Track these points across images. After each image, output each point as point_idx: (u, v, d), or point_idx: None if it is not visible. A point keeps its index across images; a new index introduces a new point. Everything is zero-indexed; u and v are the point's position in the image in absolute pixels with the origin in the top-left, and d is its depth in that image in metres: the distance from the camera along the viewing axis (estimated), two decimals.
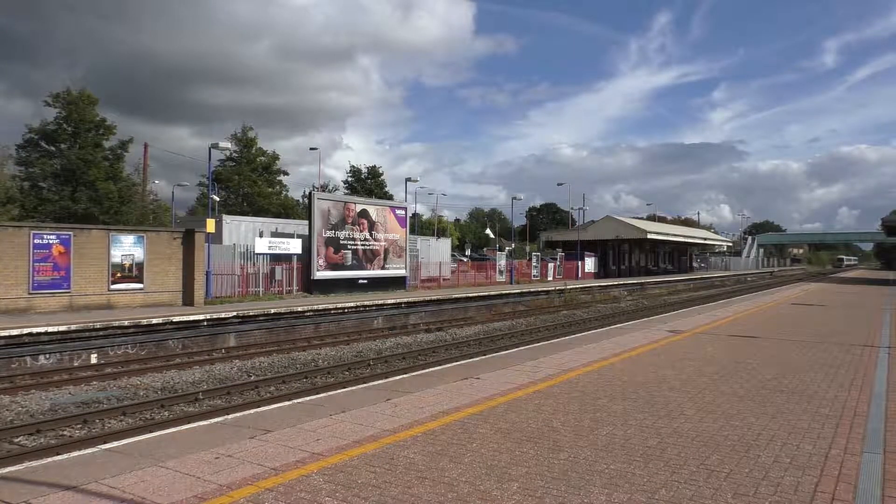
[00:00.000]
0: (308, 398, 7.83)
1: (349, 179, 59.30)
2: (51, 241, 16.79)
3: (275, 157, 49.86)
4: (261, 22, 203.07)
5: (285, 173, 51.47)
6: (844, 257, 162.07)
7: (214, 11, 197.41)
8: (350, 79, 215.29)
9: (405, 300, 23.94)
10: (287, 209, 49.60)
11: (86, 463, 5.10)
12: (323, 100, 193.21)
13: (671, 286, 47.26)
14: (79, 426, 9.21)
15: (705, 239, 73.46)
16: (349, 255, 25.75)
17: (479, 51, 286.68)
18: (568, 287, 35.36)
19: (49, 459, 5.50)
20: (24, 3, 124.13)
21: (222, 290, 21.82)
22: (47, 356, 13.83)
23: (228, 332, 17.55)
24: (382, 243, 27.33)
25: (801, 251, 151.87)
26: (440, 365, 11.48)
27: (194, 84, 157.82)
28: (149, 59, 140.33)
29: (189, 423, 7.28)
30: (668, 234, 58.57)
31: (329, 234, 24.87)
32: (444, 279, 32.99)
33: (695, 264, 74.15)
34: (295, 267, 24.21)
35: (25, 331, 13.56)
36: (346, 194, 51.24)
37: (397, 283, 27.95)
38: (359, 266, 26.19)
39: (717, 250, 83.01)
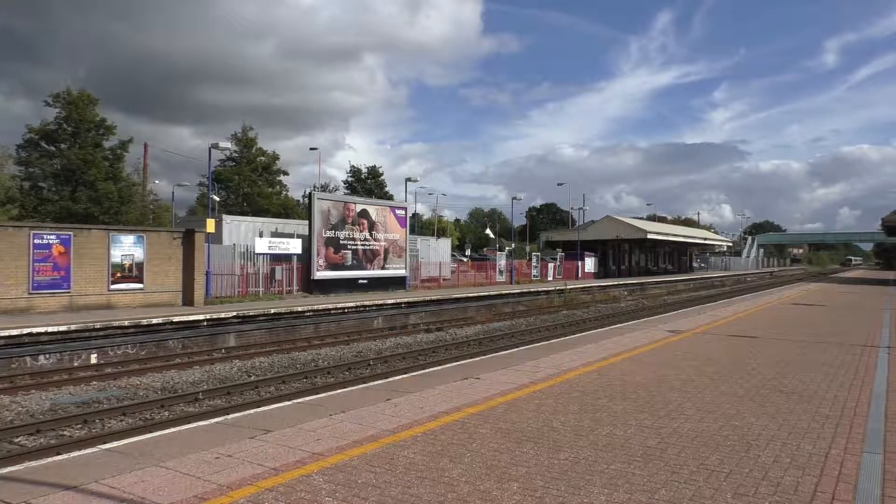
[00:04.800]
0: (308, 398, 7.83)
1: (349, 179, 59.43)
2: (51, 241, 16.79)
3: (275, 157, 49.90)
4: (266, 22, 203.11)
5: (285, 173, 51.53)
6: (852, 258, 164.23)
7: (219, 11, 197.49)
8: (355, 79, 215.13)
9: (405, 300, 23.94)
10: (287, 209, 49.61)
11: (86, 463, 5.10)
12: (327, 100, 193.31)
13: (671, 286, 47.26)
14: (79, 426, 9.21)
15: (705, 239, 73.48)
16: (349, 255, 25.75)
17: (483, 50, 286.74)
18: (568, 287, 35.36)
19: (49, 459, 5.50)
20: (26, 2, 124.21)
21: (222, 290, 21.82)
22: (47, 356, 13.84)
23: (228, 332, 17.55)
24: (382, 243, 27.33)
25: (801, 251, 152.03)
26: (440, 365, 11.48)
27: (198, 84, 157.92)
28: (152, 59, 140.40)
29: (189, 423, 7.28)
30: (668, 234, 58.58)
31: (329, 234, 24.87)
32: (444, 279, 33.00)
33: (695, 264, 74.17)
34: (295, 267, 24.22)
35: (25, 331, 13.57)
36: (346, 194, 51.26)
37: (397, 283, 27.96)
38: (359, 266, 26.19)
39: (717, 250, 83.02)
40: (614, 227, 52.62)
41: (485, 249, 63.05)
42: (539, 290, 33.18)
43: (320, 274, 24.44)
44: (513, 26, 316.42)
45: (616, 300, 35.01)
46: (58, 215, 35.46)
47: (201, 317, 17.01)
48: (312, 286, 24.18)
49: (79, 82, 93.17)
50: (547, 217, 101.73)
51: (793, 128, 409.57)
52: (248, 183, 47.09)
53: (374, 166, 60.12)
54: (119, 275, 18.17)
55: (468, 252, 61.70)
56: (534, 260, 41.65)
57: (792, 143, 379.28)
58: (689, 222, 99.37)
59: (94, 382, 12.17)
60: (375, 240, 27.01)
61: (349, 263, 25.79)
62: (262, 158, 48.85)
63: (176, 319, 16.35)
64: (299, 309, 19.71)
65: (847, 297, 28.32)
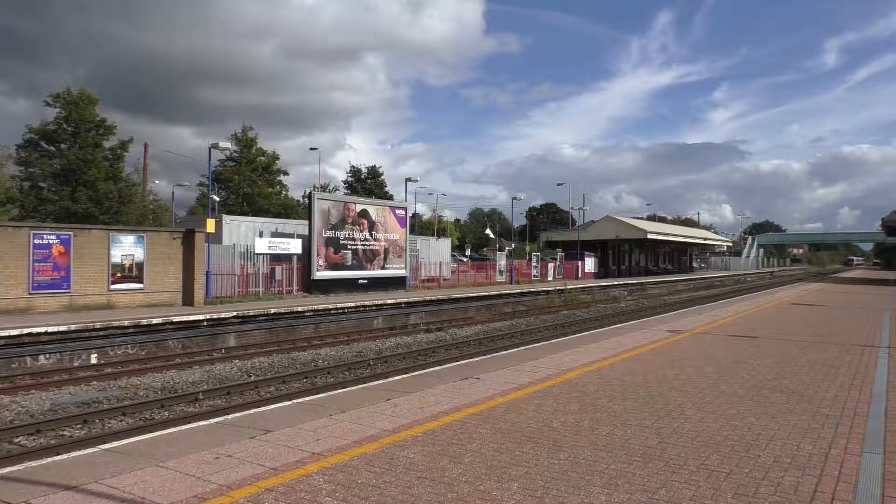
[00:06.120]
0: (308, 398, 7.83)
1: (349, 179, 59.44)
2: (51, 241, 16.79)
3: (275, 157, 49.92)
4: (267, 21, 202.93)
5: (285, 173, 51.55)
6: (854, 258, 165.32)
7: (220, 11, 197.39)
8: (356, 79, 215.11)
9: (405, 300, 23.94)
10: (287, 209, 49.60)
11: (86, 463, 5.10)
12: (328, 99, 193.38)
13: (671, 286, 47.26)
14: (79, 426, 9.21)
15: (705, 239, 73.47)
16: (349, 255, 25.75)
17: (484, 50, 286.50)
18: (568, 287, 35.36)
19: (49, 459, 5.50)
20: (26, 2, 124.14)
21: (222, 290, 21.81)
22: (47, 356, 13.84)
23: (228, 332, 17.55)
24: (382, 243, 27.33)
25: (801, 251, 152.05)
26: (440, 365, 11.48)
27: (198, 84, 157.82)
28: (152, 59, 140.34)
29: (189, 423, 7.28)
30: (668, 234, 58.57)
31: (329, 234, 24.87)
32: (444, 279, 32.99)
33: (695, 264, 74.17)
34: (295, 267, 24.21)
35: (25, 331, 13.56)
36: (346, 194, 51.25)
37: (397, 283, 27.95)
38: (359, 266, 26.19)
39: (717, 250, 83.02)
40: (614, 227, 52.61)
41: (485, 249, 63.09)
42: (539, 290, 33.17)
43: (320, 274, 24.43)
44: (514, 26, 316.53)
45: (616, 300, 35.00)
46: (58, 215, 35.46)
47: (201, 317, 17.01)
48: (312, 286, 24.17)
49: (79, 82, 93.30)
50: (547, 217, 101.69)
51: (793, 128, 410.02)
52: (248, 183, 47.08)
53: (374, 166, 60.24)
54: (119, 275, 18.17)
55: (468, 252, 61.69)
56: (534, 260, 41.63)
57: (792, 143, 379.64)
58: (689, 222, 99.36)
59: (94, 382, 12.17)
60: (375, 240, 27.00)
61: (349, 263, 25.79)
62: (262, 158, 48.85)
63: (176, 319, 16.34)
64: (299, 309, 19.70)
65: (847, 297, 28.32)
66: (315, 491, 4.35)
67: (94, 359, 14.38)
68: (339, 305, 20.94)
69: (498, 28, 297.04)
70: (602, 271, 50.21)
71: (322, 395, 8.15)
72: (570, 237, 52.83)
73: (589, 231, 52.71)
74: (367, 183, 58.20)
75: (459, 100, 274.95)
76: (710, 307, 22.72)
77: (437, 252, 35.16)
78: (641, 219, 73.05)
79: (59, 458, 5.56)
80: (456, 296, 26.65)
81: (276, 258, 23.85)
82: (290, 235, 25.09)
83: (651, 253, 60.92)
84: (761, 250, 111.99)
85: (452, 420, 6.30)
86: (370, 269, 26.72)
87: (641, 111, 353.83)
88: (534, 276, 40.01)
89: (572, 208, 69.38)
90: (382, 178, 59.71)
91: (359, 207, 26.81)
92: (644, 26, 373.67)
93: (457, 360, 11.91)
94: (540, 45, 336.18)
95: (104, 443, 6.21)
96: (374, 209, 27.52)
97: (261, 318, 18.41)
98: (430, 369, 10.34)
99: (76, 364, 14.00)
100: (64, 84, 65.80)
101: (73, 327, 14.33)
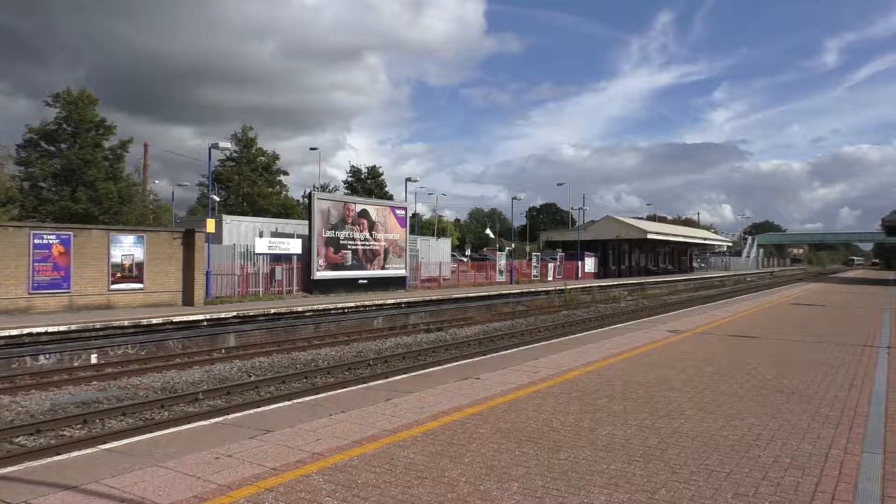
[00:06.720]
0: (308, 398, 7.83)
1: (349, 179, 59.42)
2: (51, 241, 16.79)
3: (275, 157, 49.90)
4: (268, 21, 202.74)
5: (285, 173, 51.52)
6: (855, 258, 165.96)
7: (220, 11, 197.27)
8: (357, 79, 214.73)
9: (405, 300, 23.95)
10: (287, 209, 49.58)
11: (86, 463, 5.10)
12: (328, 99, 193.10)
13: (671, 286, 47.25)
14: (79, 426, 9.21)
15: (705, 239, 73.50)
16: (349, 255, 25.76)
17: (484, 50, 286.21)
18: (568, 287, 35.36)
19: (49, 459, 5.50)
20: (26, 2, 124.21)
21: (222, 290, 21.82)
22: (47, 356, 13.84)
23: (228, 332, 17.55)
24: (382, 243, 27.34)
25: (801, 251, 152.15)
26: (440, 365, 11.48)
27: (198, 84, 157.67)
28: (152, 59, 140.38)
29: (189, 423, 7.28)
30: (668, 234, 58.60)
31: (329, 234, 24.88)
32: (444, 279, 33.00)
33: (695, 264, 74.17)
34: (295, 267, 24.22)
35: (25, 331, 13.57)
36: (346, 194, 51.24)
37: (397, 283, 27.96)
38: (359, 266, 26.20)
39: (717, 250, 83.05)
40: (614, 227, 52.63)
41: (485, 249, 62.99)
42: (539, 290, 33.18)
43: (320, 274, 24.44)
44: (514, 26, 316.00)
45: (616, 300, 34.98)
46: (58, 215, 35.43)
47: (201, 317, 17.01)
48: (312, 286, 24.18)
49: (79, 82, 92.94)
50: (547, 217, 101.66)
51: (793, 128, 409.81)
52: (248, 183, 47.05)
53: (374, 166, 60.19)
54: (119, 275, 18.18)
55: (468, 252, 61.66)
56: (534, 260, 41.65)
57: (792, 143, 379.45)
58: (689, 222, 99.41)
59: (94, 382, 12.17)
60: (375, 240, 27.01)
61: (349, 263, 25.80)
62: (262, 158, 48.82)
63: (176, 319, 16.35)
64: (299, 309, 19.71)
65: (847, 298, 28.32)
66: (315, 491, 4.35)
67: (94, 359, 14.38)
68: (339, 305, 20.95)
69: (499, 28, 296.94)
70: (602, 271, 50.22)
71: (322, 395, 8.15)
72: (570, 237, 52.85)
73: (589, 231, 52.73)
74: (367, 183, 58.18)
75: (460, 100, 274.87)
76: (710, 307, 22.72)
77: (437, 252, 35.17)
78: (641, 219, 73.09)
79: (59, 458, 5.56)
80: (456, 296, 26.65)
81: (276, 258, 23.86)
82: (290, 235, 25.09)
83: (651, 253, 60.93)
84: (761, 250, 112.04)
85: (452, 420, 6.31)
86: (370, 269, 26.73)
87: (641, 111, 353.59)
88: (534, 276, 40.03)
89: (572, 208, 69.43)
90: (382, 178, 59.74)
91: (359, 207, 26.82)
92: (644, 26, 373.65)
93: (457, 360, 11.91)
94: (540, 45, 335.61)
95: (104, 443, 6.21)
96: (374, 209, 27.53)
97: (261, 318, 18.42)
98: (430, 369, 10.34)
99: (76, 364, 14.00)
100: (64, 84, 65.69)
101: (73, 327, 14.33)
